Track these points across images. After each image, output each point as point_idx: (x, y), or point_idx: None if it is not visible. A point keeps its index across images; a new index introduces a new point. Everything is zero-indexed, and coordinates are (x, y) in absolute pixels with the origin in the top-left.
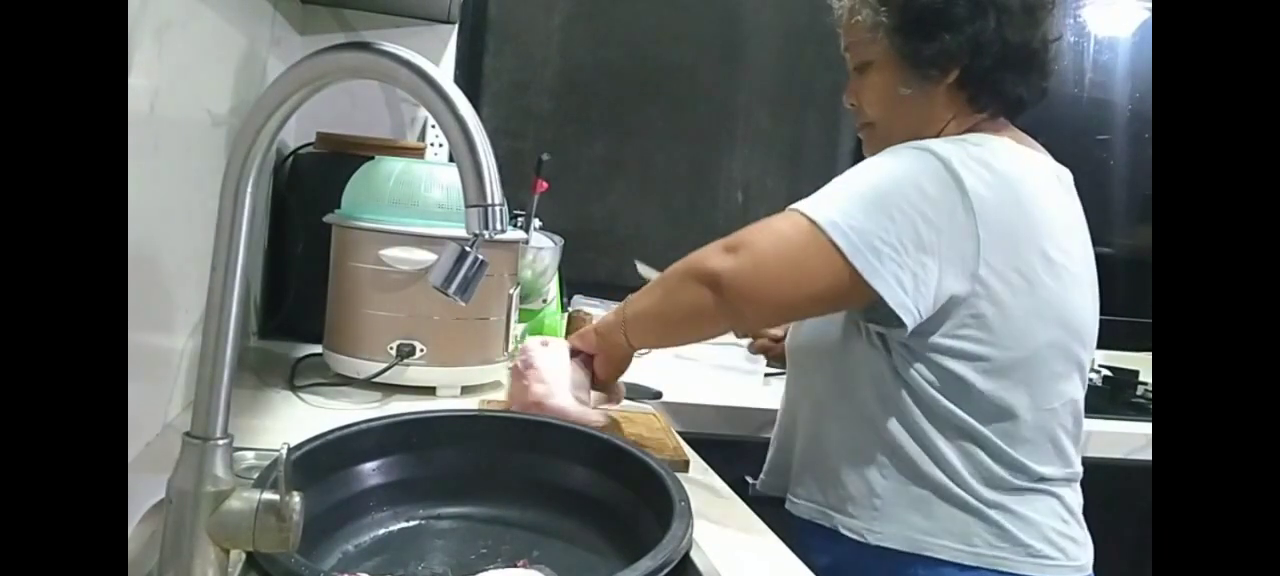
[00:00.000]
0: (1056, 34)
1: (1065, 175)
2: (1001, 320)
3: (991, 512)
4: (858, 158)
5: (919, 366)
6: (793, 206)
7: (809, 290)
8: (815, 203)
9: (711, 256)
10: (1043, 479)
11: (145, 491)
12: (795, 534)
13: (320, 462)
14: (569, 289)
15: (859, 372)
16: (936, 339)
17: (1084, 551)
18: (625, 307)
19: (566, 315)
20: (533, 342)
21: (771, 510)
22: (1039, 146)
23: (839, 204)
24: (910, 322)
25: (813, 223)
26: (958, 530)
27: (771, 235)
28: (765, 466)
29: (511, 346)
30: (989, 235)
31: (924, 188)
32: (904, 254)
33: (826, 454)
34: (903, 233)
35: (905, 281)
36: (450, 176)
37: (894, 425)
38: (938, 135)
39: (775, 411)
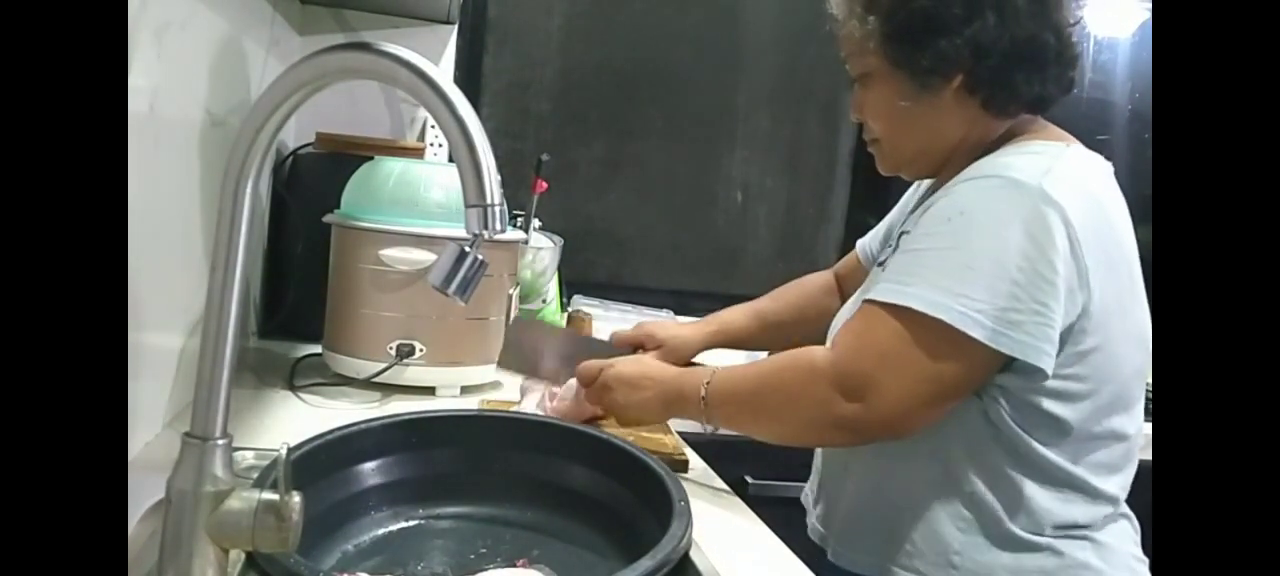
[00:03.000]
0: (1074, 18)
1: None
2: (1102, 354)
3: (1075, 550)
4: (858, 159)
5: (1013, 410)
6: (894, 299)
7: (953, 390)
8: (926, 291)
9: (832, 405)
10: (1123, 503)
11: (145, 491)
12: None
13: (320, 462)
14: (568, 289)
15: (943, 420)
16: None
17: (1147, 571)
18: (711, 398)
19: (566, 315)
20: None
21: (774, 511)
22: (1082, 147)
23: (953, 287)
24: (1051, 367)
25: (938, 321)
26: None
27: (893, 360)
28: (818, 513)
29: None
30: (1093, 262)
31: (1031, 231)
32: (1038, 312)
33: (890, 505)
34: (1030, 291)
35: (1048, 334)
36: (450, 176)
37: (978, 477)
38: (954, 148)
39: None
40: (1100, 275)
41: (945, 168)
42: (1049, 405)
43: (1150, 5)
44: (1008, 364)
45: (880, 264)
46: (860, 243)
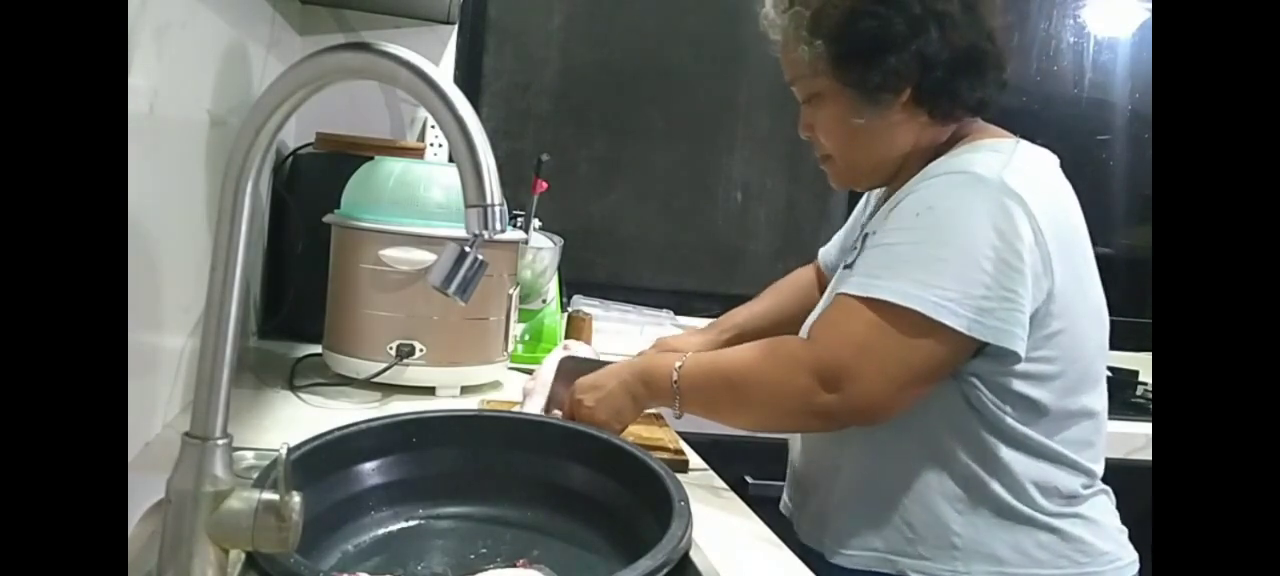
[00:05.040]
0: (1003, 22)
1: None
2: (1068, 335)
3: (1070, 526)
4: None
5: (991, 393)
6: (868, 292)
7: (928, 376)
8: (899, 283)
9: (811, 394)
10: (1100, 478)
11: (145, 491)
12: None
13: (320, 462)
14: (568, 289)
15: (927, 405)
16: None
17: (1127, 539)
18: (683, 383)
19: (566, 315)
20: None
21: (772, 511)
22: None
23: (925, 278)
24: (1023, 349)
25: (911, 311)
26: (1046, 557)
27: (870, 350)
28: (809, 514)
29: (511, 346)
30: (1055, 248)
31: (996, 222)
32: (1008, 298)
33: (884, 495)
34: (998, 279)
35: (1018, 319)
36: (450, 176)
37: (967, 456)
38: (906, 157)
39: None
40: (1062, 260)
41: (898, 176)
42: (1022, 387)
43: (1150, 5)
44: (979, 349)
45: (847, 266)
46: (821, 252)
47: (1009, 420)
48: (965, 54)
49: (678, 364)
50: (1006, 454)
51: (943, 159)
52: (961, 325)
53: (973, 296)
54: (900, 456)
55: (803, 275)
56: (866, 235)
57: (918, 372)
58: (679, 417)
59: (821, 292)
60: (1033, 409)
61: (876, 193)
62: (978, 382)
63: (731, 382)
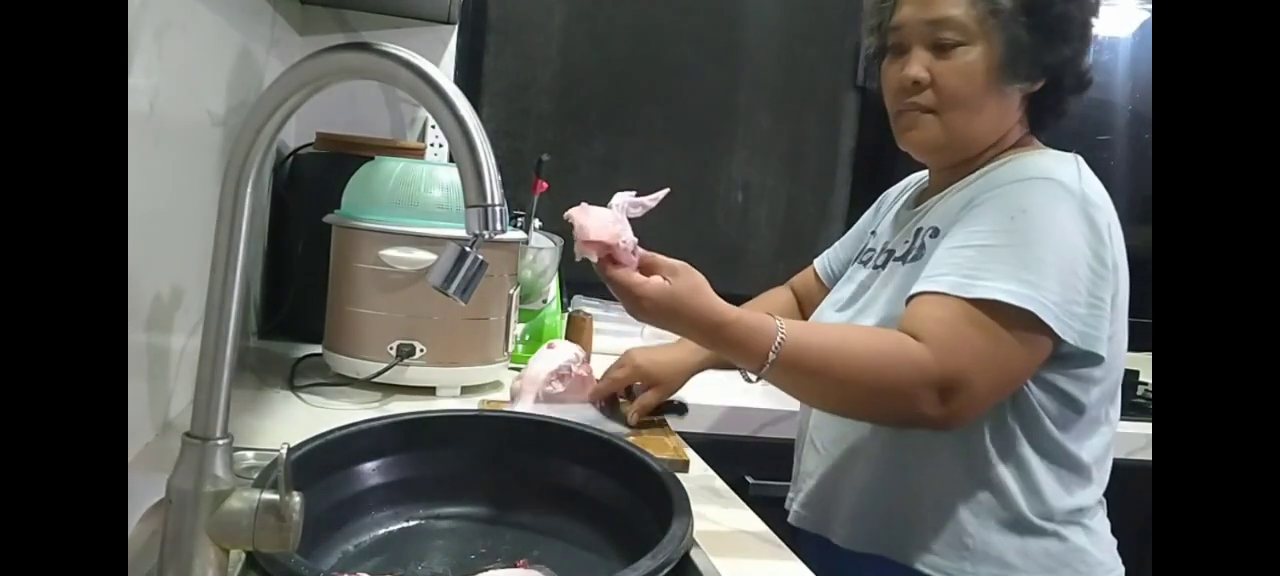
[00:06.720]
0: None
1: None
2: (1114, 343)
3: (1073, 534)
4: (858, 159)
5: (1040, 394)
6: (975, 294)
7: (1019, 382)
8: (1009, 284)
9: (928, 404)
10: (1103, 488)
11: (145, 491)
12: (847, 568)
13: (320, 462)
14: (569, 289)
15: None
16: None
17: (1115, 551)
18: (780, 362)
19: (566, 315)
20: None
21: (774, 511)
22: None
23: (1033, 279)
24: (1107, 353)
25: (1024, 311)
26: (1051, 563)
27: (986, 357)
28: (800, 497)
29: (511, 346)
30: (1119, 259)
31: (1084, 231)
32: (1096, 305)
33: (907, 489)
34: (1090, 286)
35: (1104, 325)
36: (450, 176)
37: (1000, 460)
38: (995, 146)
39: (769, 410)
40: (1122, 269)
41: (966, 165)
42: (1070, 387)
43: (1150, 5)
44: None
45: (898, 258)
46: (819, 261)
47: (1046, 424)
48: (1083, 74)
49: (781, 328)
50: (1035, 465)
51: (1017, 162)
52: (1060, 328)
53: (1070, 301)
54: (932, 453)
55: (776, 298)
56: (920, 229)
57: (1015, 378)
58: (753, 381)
59: (808, 304)
60: (1073, 407)
61: (897, 195)
62: (1029, 381)
63: (844, 375)
